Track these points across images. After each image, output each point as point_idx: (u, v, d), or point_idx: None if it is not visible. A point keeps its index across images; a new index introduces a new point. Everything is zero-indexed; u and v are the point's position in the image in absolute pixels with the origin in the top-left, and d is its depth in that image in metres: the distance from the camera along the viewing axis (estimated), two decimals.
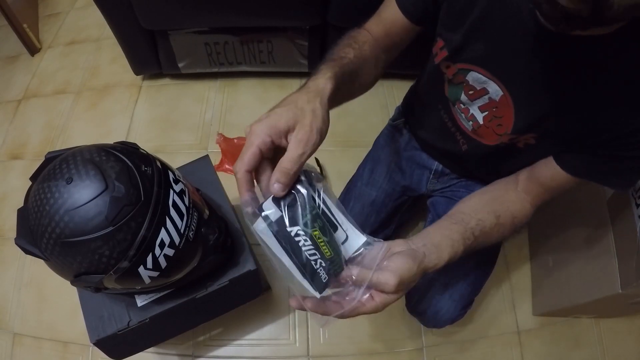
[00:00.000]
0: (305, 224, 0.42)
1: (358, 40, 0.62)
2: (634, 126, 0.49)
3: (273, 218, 0.42)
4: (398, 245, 0.51)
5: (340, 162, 1.42)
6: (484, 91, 0.60)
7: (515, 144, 0.63)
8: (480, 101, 0.62)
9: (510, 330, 1.19)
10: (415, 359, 1.14)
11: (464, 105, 0.66)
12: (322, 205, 0.45)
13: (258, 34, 1.38)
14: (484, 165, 0.69)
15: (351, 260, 0.47)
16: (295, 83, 1.58)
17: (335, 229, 0.46)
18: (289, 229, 0.42)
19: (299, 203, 0.42)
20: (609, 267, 0.90)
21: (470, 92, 0.62)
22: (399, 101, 0.96)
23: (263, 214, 0.42)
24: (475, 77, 0.59)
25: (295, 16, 1.29)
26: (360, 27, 0.66)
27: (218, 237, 0.72)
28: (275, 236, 0.42)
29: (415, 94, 0.85)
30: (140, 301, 0.77)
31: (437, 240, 0.53)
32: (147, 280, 0.63)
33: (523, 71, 0.53)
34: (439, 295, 0.82)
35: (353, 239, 0.47)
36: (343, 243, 0.47)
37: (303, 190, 0.43)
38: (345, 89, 0.53)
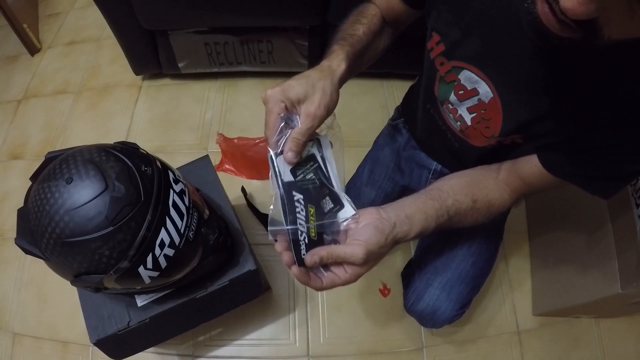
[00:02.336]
0: (305, 209, 0.50)
1: (367, 14, 0.65)
2: (623, 138, 0.49)
3: (285, 177, 0.50)
4: (368, 214, 0.52)
5: None
6: (474, 91, 0.59)
7: (502, 143, 0.63)
8: (469, 102, 0.61)
9: (510, 330, 1.19)
10: (415, 359, 1.15)
11: (452, 105, 0.65)
12: (325, 170, 0.52)
13: (258, 34, 1.38)
14: (477, 162, 0.69)
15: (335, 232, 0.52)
16: None
17: (334, 197, 0.52)
18: (293, 193, 0.50)
19: (307, 173, 0.52)
20: (609, 267, 0.90)
21: (460, 92, 0.61)
22: (399, 101, 0.97)
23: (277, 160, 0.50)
24: (467, 76, 0.59)
25: (295, 16, 1.29)
26: (369, 1, 0.68)
27: (218, 237, 0.72)
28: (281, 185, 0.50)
29: (413, 92, 0.85)
30: (140, 301, 0.77)
31: (411, 212, 0.54)
32: (147, 280, 0.63)
33: (516, 74, 0.53)
34: (436, 295, 0.82)
35: (345, 209, 0.52)
36: (337, 211, 0.52)
37: (314, 160, 0.52)
38: (356, 64, 0.59)
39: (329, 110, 0.50)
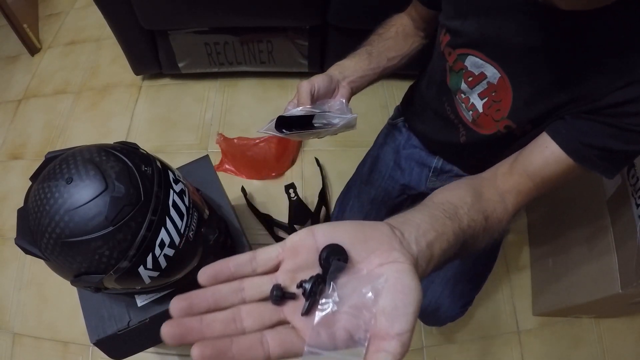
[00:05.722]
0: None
1: (387, 24, 0.75)
2: (632, 107, 0.48)
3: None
4: (385, 252, 0.32)
5: (340, 162, 1.42)
6: (482, 75, 0.60)
7: (511, 132, 0.63)
8: (479, 87, 0.62)
9: (510, 330, 1.19)
10: (415, 359, 1.14)
11: (464, 94, 0.66)
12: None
13: (258, 34, 1.38)
14: (481, 155, 0.69)
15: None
16: (295, 83, 1.58)
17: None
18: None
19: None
20: (609, 267, 0.90)
21: (470, 79, 0.63)
22: (398, 101, 0.97)
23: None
24: (473, 62, 0.60)
25: (295, 16, 1.29)
26: (402, 11, 0.77)
27: (218, 237, 0.72)
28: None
29: (418, 89, 0.86)
30: (140, 301, 0.77)
31: (431, 239, 0.38)
32: (147, 280, 0.63)
33: (518, 49, 0.54)
34: (439, 292, 0.82)
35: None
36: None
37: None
38: (364, 65, 0.67)
39: (312, 82, 0.58)
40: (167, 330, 0.28)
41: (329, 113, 0.59)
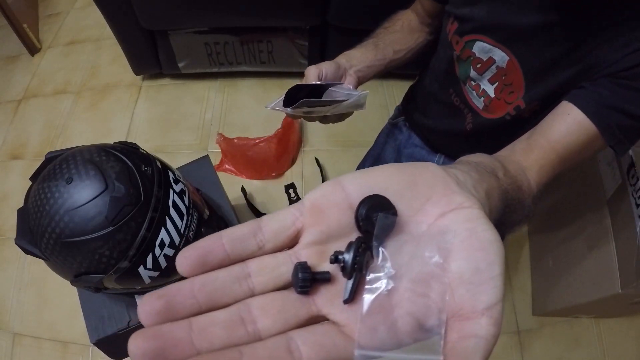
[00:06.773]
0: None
1: (393, 18, 0.76)
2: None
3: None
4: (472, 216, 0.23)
5: (340, 162, 1.42)
6: (491, 60, 0.61)
7: (519, 115, 0.63)
8: (489, 73, 0.63)
9: (510, 330, 1.19)
10: None
11: (474, 81, 0.66)
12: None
13: (258, 34, 1.38)
14: (486, 144, 0.69)
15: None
16: (295, 83, 1.58)
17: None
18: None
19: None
20: (609, 267, 0.90)
21: (478, 66, 0.63)
22: (398, 101, 0.96)
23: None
24: (481, 47, 0.61)
25: (295, 16, 1.29)
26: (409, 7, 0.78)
27: None
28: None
29: (420, 85, 0.86)
30: None
31: (487, 188, 0.30)
32: (147, 280, 0.63)
33: (528, 29, 0.55)
34: None
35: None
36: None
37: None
38: (371, 55, 0.69)
39: (320, 67, 0.60)
40: (137, 346, 0.18)
41: (338, 91, 0.59)
